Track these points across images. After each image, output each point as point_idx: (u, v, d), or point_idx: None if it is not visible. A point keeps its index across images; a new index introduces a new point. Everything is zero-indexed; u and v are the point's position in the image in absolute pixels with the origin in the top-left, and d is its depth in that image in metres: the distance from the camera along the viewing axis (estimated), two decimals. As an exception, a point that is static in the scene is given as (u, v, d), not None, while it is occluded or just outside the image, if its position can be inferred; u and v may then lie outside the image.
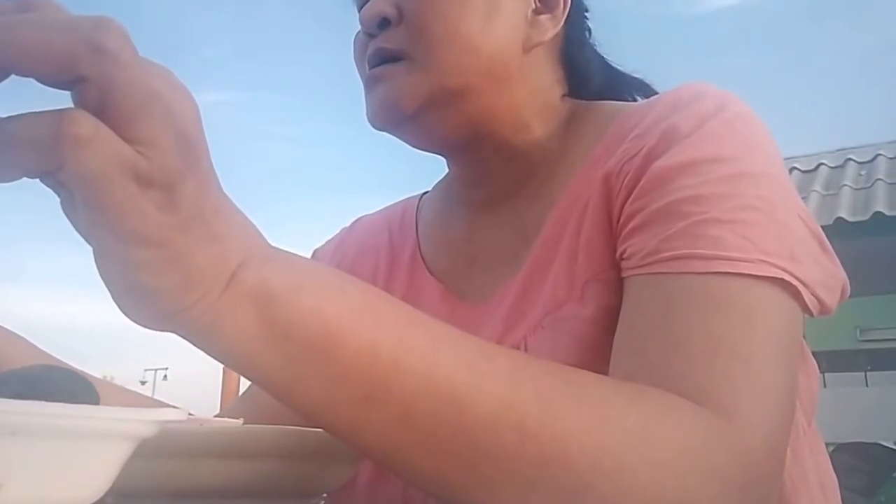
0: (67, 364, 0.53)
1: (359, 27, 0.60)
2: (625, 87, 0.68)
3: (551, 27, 0.60)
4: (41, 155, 0.25)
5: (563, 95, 0.64)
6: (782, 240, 0.45)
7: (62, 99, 0.27)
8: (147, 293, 0.29)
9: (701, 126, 0.50)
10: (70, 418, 0.22)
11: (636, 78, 0.69)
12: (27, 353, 0.53)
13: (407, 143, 0.61)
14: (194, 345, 0.32)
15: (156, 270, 0.28)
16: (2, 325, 0.53)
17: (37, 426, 0.21)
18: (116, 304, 0.30)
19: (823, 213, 4.38)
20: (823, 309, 0.48)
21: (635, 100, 0.67)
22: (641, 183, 0.49)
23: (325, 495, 0.44)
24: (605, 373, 0.45)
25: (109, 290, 0.30)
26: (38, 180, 0.27)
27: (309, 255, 0.76)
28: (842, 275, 0.51)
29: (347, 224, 0.77)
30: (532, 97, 0.60)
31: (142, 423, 0.25)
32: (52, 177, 0.27)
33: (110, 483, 0.25)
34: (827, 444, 0.61)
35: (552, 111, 0.62)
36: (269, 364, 0.32)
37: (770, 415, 0.41)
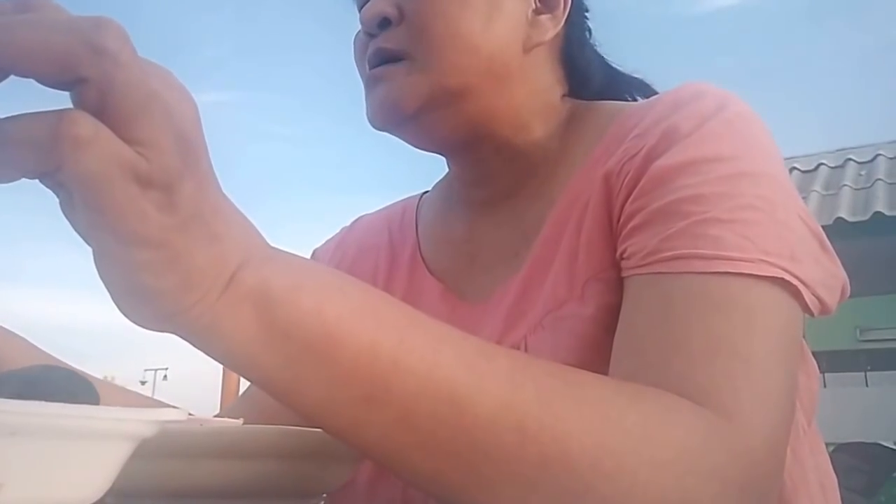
0: (67, 364, 0.53)
1: (359, 27, 0.60)
2: (625, 87, 0.68)
3: (552, 27, 0.60)
4: (40, 156, 0.25)
5: (564, 95, 0.64)
6: (782, 239, 0.45)
7: (62, 99, 0.27)
8: (147, 294, 0.29)
9: (701, 126, 0.50)
10: (70, 418, 0.22)
11: (636, 78, 0.69)
12: (27, 353, 0.53)
13: (407, 143, 0.61)
14: (194, 345, 0.32)
15: (155, 271, 0.28)
16: (1, 325, 0.53)
17: (36, 426, 0.21)
18: (116, 304, 0.30)
19: (823, 213, 4.38)
20: (824, 309, 0.48)
21: (635, 100, 0.67)
22: (642, 182, 0.49)
23: (324, 495, 0.44)
24: (606, 372, 0.45)
25: (109, 290, 0.30)
26: (37, 181, 0.27)
27: (309, 255, 0.77)
28: (842, 274, 0.51)
29: (347, 224, 0.77)
30: (532, 97, 0.60)
31: (142, 423, 0.25)
32: (51, 177, 0.27)
33: (110, 483, 0.25)
34: (827, 444, 0.61)
35: (552, 111, 0.62)
36: (269, 365, 0.32)
37: (770, 415, 0.41)
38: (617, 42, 0.70)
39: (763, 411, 0.40)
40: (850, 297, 0.52)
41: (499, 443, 0.34)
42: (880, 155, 5.10)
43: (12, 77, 0.26)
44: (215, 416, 0.49)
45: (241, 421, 0.41)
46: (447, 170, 0.70)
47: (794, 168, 5.11)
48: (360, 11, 0.58)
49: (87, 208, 0.27)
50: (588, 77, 0.65)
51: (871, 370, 6.25)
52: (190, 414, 0.41)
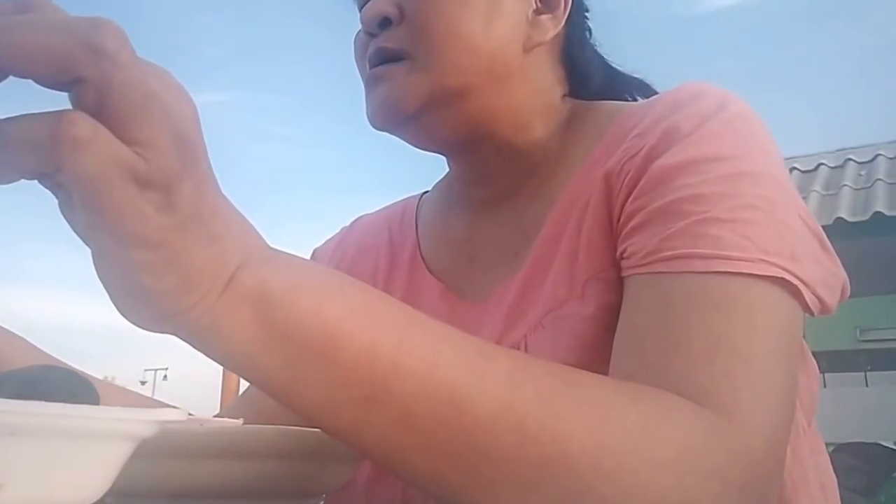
0: (67, 364, 0.53)
1: (359, 26, 0.60)
2: (625, 87, 0.68)
3: (552, 27, 0.60)
4: (39, 156, 0.25)
5: (564, 95, 0.64)
6: (782, 239, 0.45)
7: (60, 100, 0.27)
8: (145, 295, 0.29)
9: (701, 125, 0.50)
10: (70, 418, 0.22)
11: (636, 78, 0.69)
12: (26, 353, 0.53)
13: (407, 142, 0.61)
14: (193, 346, 0.32)
15: (154, 272, 0.28)
16: (1, 325, 0.53)
17: (36, 426, 0.21)
18: (115, 305, 0.30)
19: (823, 213, 4.38)
20: (824, 308, 0.48)
21: (635, 100, 0.67)
22: (642, 182, 0.49)
23: (323, 495, 0.44)
24: (606, 372, 0.45)
25: (108, 291, 0.30)
26: (36, 182, 0.27)
27: (309, 255, 0.77)
28: (842, 274, 0.51)
29: (347, 224, 0.77)
30: (533, 97, 0.60)
31: (142, 423, 0.25)
32: (50, 178, 0.27)
33: (110, 483, 0.25)
34: (827, 444, 0.61)
35: (553, 111, 0.62)
36: (269, 366, 0.32)
37: (770, 414, 0.41)
38: (617, 42, 0.70)
39: (763, 411, 0.40)
40: (850, 297, 0.52)
41: (499, 443, 0.34)
42: (880, 155, 5.10)
43: (11, 78, 0.26)
44: (215, 416, 0.49)
45: (241, 421, 0.41)
46: (447, 170, 0.70)
47: (794, 168, 5.11)
48: (360, 11, 0.58)
49: (85, 209, 0.27)
50: (588, 77, 0.65)
51: (871, 370, 6.25)
52: (190, 414, 0.41)
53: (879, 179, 4.69)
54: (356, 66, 0.61)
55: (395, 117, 0.57)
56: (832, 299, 0.48)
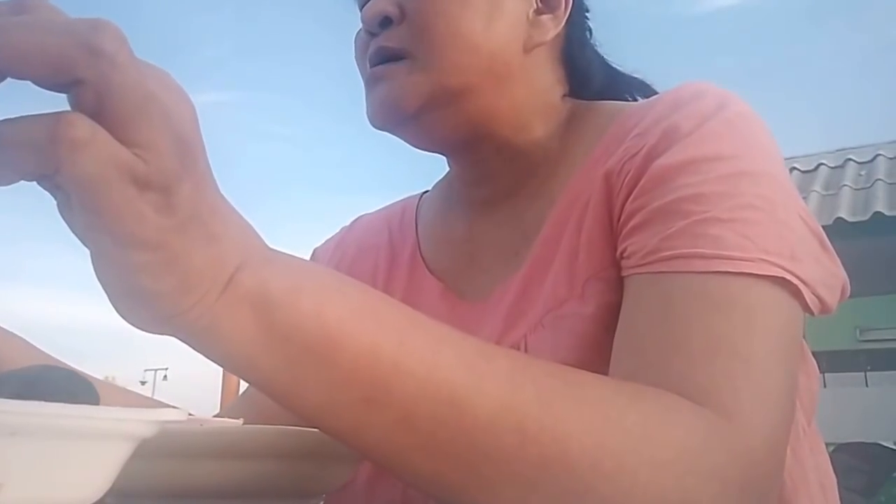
0: (67, 364, 0.53)
1: (359, 26, 0.60)
2: (625, 87, 0.68)
3: (553, 27, 0.60)
4: (37, 158, 0.25)
5: (564, 95, 0.64)
6: (783, 239, 0.45)
7: (59, 101, 0.26)
8: (144, 296, 0.29)
9: (701, 125, 0.50)
10: (70, 418, 0.22)
11: (636, 78, 0.69)
12: (26, 354, 0.53)
13: (407, 142, 0.61)
14: (192, 348, 0.32)
15: (153, 273, 0.28)
16: (1, 325, 0.53)
17: (36, 426, 0.21)
18: (114, 307, 0.30)
19: (823, 213, 4.38)
20: (824, 308, 0.48)
21: (635, 100, 0.67)
22: (642, 181, 0.49)
23: (323, 495, 0.44)
24: (606, 371, 0.45)
25: (106, 292, 0.30)
26: (35, 182, 0.27)
27: (309, 255, 0.77)
28: (842, 274, 0.51)
29: (347, 223, 0.77)
30: (533, 97, 0.60)
31: (142, 423, 0.25)
32: (48, 180, 0.27)
33: (110, 483, 0.25)
34: (827, 444, 0.61)
35: (553, 111, 0.62)
36: (268, 367, 0.32)
37: (770, 414, 0.41)
38: (617, 42, 0.70)
39: (763, 411, 0.40)
40: (850, 297, 0.52)
41: (499, 444, 0.34)
42: (880, 155, 5.10)
43: (9, 79, 0.26)
44: (215, 416, 0.49)
45: (241, 421, 0.41)
46: (447, 170, 0.70)
47: (794, 168, 5.11)
48: (361, 10, 0.58)
49: (84, 210, 0.27)
50: (588, 77, 0.65)
51: (871, 370, 6.25)
52: (190, 414, 0.41)
53: (879, 179, 4.69)
54: (356, 66, 0.61)
55: (396, 117, 0.57)
56: (832, 299, 0.48)
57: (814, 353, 0.58)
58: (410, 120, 0.57)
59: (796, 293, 0.45)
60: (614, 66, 0.68)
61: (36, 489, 0.22)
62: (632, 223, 0.49)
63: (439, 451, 0.34)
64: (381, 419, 0.33)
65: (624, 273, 0.49)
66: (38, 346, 0.54)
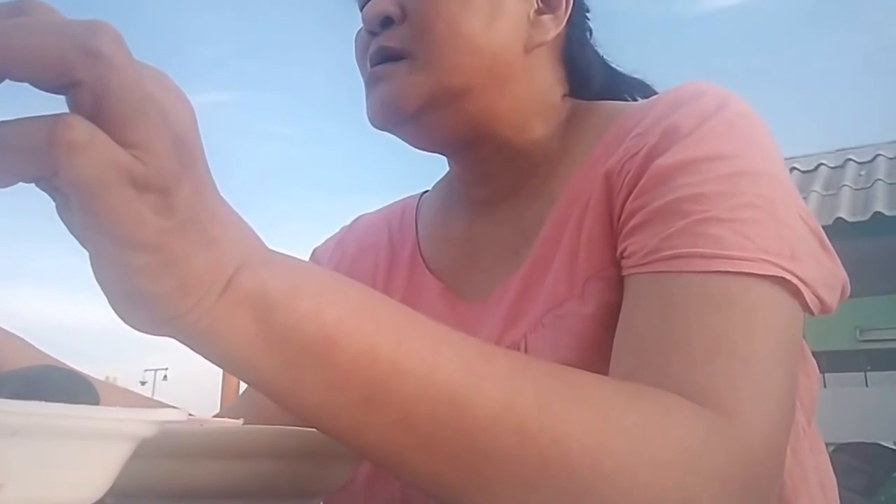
0: (67, 364, 0.53)
1: (359, 26, 0.60)
2: (624, 87, 0.68)
3: (553, 27, 0.60)
4: (36, 161, 0.25)
5: (564, 95, 0.64)
6: (783, 238, 0.45)
7: (58, 103, 0.26)
8: (143, 298, 0.29)
9: (701, 124, 0.50)
10: (70, 418, 0.22)
11: (636, 78, 0.69)
12: (26, 354, 0.53)
13: (407, 142, 0.61)
14: (192, 349, 0.32)
15: (152, 275, 0.28)
16: (1, 325, 0.53)
17: (37, 426, 0.21)
18: (113, 308, 0.30)
19: (823, 213, 4.38)
20: (824, 308, 0.48)
21: (635, 100, 0.67)
22: (642, 181, 0.49)
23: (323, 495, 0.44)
24: (606, 371, 0.45)
25: (106, 294, 0.29)
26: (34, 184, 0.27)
27: (309, 254, 0.77)
28: (842, 274, 0.51)
29: (347, 223, 0.77)
30: (533, 97, 0.60)
31: (142, 423, 0.25)
32: (47, 182, 0.27)
33: (110, 483, 0.25)
34: (827, 444, 0.61)
35: (553, 111, 0.62)
36: (267, 368, 0.32)
37: (770, 414, 0.40)
38: (617, 42, 0.70)
39: (763, 410, 0.40)
40: (850, 297, 0.52)
41: (498, 444, 0.34)
42: (880, 155, 5.10)
43: (7, 81, 0.26)
44: (215, 416, 0.49)
45: (241, 421, 0.41)
46: (447, 169, 0.70)
47: (794, 168, 5.11)
48: (361, 10, 0.58)
49: (82, 212, 0.27)
50: (589, 77, 0.65)
51: (871, 370, 6.26)
52: (190, 414, 0.41)
53: (879, 179, 4.69)
54: (357, 65, 0.61)
55: (396, 116, 0.57)
56: (832, 299, 0.48)
57: (814, 353, 0.58)
58: (411, 120, 0.57)
59: (796, 293, 0.45)
60: (614, 66, 0.69)
61: (36, 489, 0.22)
62: (632, 223, 0.49)
63: (439, 452, 0.34)
64: (379, 419, 0.33)
65: (624, 272, 0.49)
66: (38, 346, 0.54)
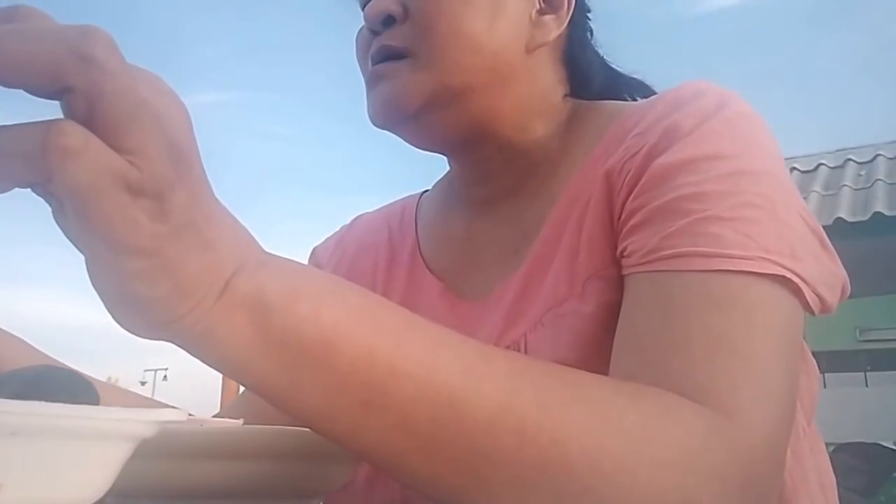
0: (67, 364, 0.53)
1: (359, 25, 0.60)
2: (625, 87, 0.68)
3: (555, 28, 0.60)
4: (30, 167, 0.25)
5: (565, 95, 0.64)
6: (783, 237, 0.45)
7: (53, 109, 0.26)
8: (140, 302, 0.29)
9: (702, 124, 0.50)
10: (70, 418, 0.22)
11: (636, 79, 0.69)
12: (25, 354, 0.53)
13: (408, 142, 0.61)
14: (189, 353, 0.31)
15: (148, 280, 0.28)
16: (1, 325, 0.53)
17: (37, 426, 0.21)
18: (110, 313, 0.30)
19: (823, 213, 4.39)
20: (824, 307, 0.48)
21: (635, 100, 0.67)
22: (642, 180, 0.49)
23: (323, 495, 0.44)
24: (606, 370, 0.45)
25: (102, 299, 0.29)
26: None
27: (308, 254, 0.77)
28: (842, 273, 0.51)
29: (347, 222, 0.77)
30: (535, 97, 0.60)
31: (142, 423, 0.25)
32: (42, 188, 0.27)
33: (110, 483, 0.25)
34: (827, 444, 0.61)
35: (554, 111, 0.62)
36: (266, 371, 0.32)
37: (770, 413, 0.40)
38: (618, 43, 0.70)
39: (763, 410, 0.40)
40: (850, 297, 0.52)
41: (498, 446, 0.34)
42: (880, 155, 5.11)
43: (1, 87, 0.26)
44: (215, 416, 0.49)
45: (240, 421, 0.41)
46: (447, 169, 0.70)
47: (794, 168, 5.12)
48: (363, 9, 0.58)
49: (78, 217, 0.27)
50: (589, 78, 0.65)
51: (871, 370, 6.26)
52: (190, 414, 0.41)
53: (879, 179, 4.69)
54: (358, 64, 0.61)
55: (397, 116, 0.57)
56: (832, 298, 0.48)
57: (814, 353, 0.58)
58: (412, 119, 0.57)
59: (797, 292, 0.45)
60: (614, 66, 0.69)
61: (36, 489, 0.22)
62: (632, 222, 0.49)
63: (438, 454, 0.34)
64: (378, 422, 0.33)
65: (624, 272, 0.49)
66: (37, 347, 0.54)
